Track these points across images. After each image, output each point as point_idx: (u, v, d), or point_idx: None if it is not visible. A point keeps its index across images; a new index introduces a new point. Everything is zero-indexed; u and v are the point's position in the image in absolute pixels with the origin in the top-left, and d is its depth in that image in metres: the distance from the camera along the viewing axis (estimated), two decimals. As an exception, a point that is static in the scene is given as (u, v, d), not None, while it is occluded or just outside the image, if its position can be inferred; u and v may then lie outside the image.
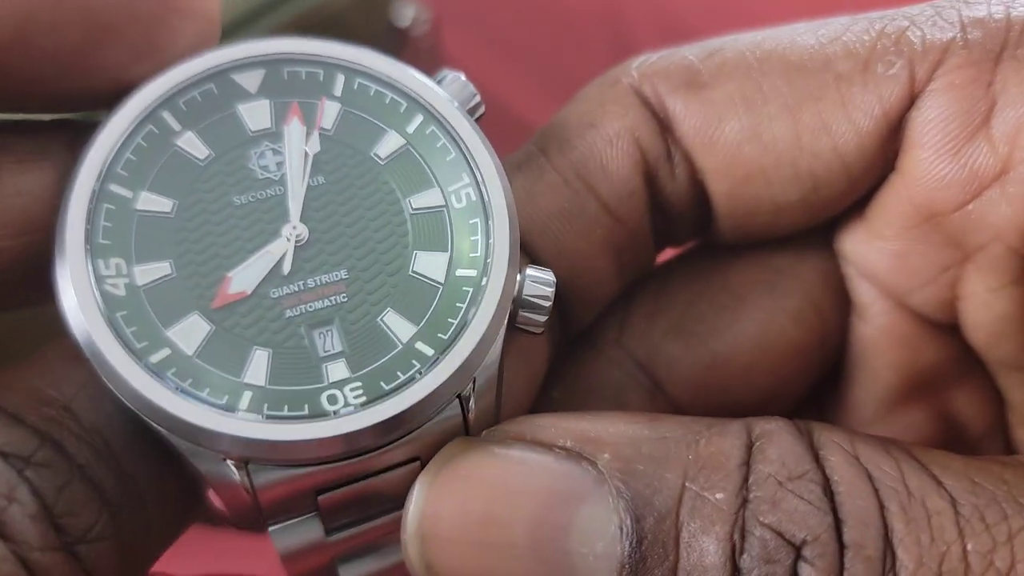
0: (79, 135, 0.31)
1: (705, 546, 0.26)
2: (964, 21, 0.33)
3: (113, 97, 0.30)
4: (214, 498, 0.29)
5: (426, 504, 0.28)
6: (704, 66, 0.35)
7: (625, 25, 0.79)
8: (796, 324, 0.38)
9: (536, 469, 0.28)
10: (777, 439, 0.27)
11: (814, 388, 0.40)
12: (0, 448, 0.28)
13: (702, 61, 0.35)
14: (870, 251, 0.37)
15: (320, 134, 0.32)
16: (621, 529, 0.27)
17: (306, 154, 0.31)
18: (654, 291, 0.39)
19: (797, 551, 0.26)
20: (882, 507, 0.26)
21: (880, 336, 0.38)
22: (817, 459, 0.27)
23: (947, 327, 0.37)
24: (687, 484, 0.27)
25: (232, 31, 0.55)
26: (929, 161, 0.33)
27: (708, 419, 0.29)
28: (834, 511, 0.26)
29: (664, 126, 0.35)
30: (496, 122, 0.37)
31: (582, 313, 0.37)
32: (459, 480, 0.28)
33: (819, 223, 0.37)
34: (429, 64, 0.68)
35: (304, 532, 0.30)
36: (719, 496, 0.27)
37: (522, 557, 0.27)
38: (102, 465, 0.29)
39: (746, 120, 0.34)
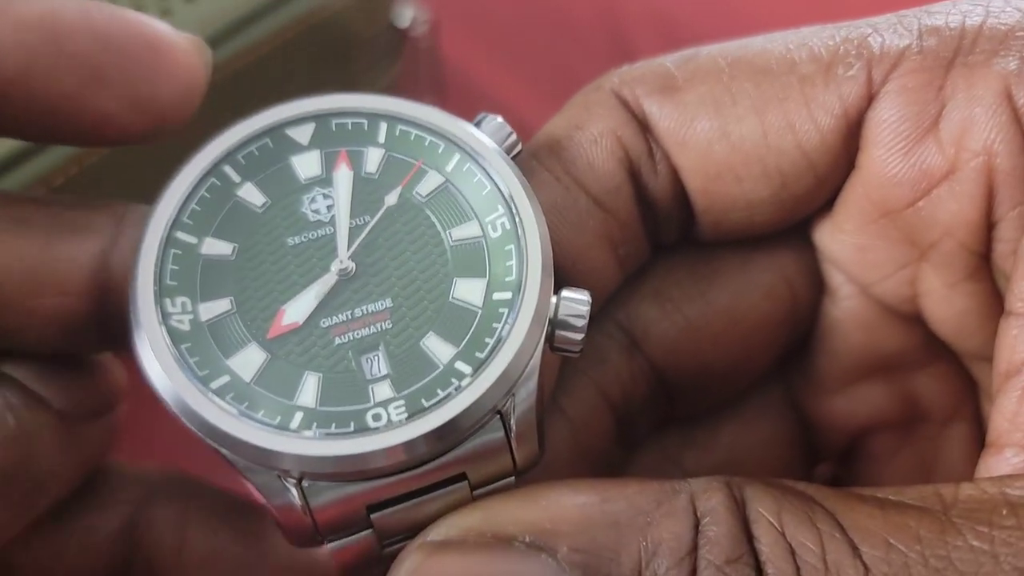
0: (128, 213, 0.35)
1: None
2: (922, 29, 0.35)
3: (101, 139, 0.34)
4: (278, 516, 0.32)
5: None
6: (679, 72, 0.37)
7: (624, 27, 0.79)
8: (768, 299, 0.40)
9: (502, 569, 0.29)
10: (718, 518, 0.29)
11: (783, 356, 0.42)
12: None
13: (678, 67, 0.37)
14: (834, 243, 0.39)
15: (366, 178, 0.35)
16: None
17: (385, 204, 0.34)
18: None
19: None
20: None
21: (846, 318, 0.40)
22: (751, 539, 0.28)
23: (912, 317, 0.39)
24: (643, 572, 0.28)
25: (232, 31, 0.55)
26: (883, 159, 0.35)
27: (656, 490, 0.30)
28: None
29: (644, 127, 0.37)
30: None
31: None
32: None
33: (795, 222, 0.39)
34: (429, 65, 0.69)
35: (359, 546, 0.33)
36: None
37: None
38: None
39: (716, 120, 0.36)
